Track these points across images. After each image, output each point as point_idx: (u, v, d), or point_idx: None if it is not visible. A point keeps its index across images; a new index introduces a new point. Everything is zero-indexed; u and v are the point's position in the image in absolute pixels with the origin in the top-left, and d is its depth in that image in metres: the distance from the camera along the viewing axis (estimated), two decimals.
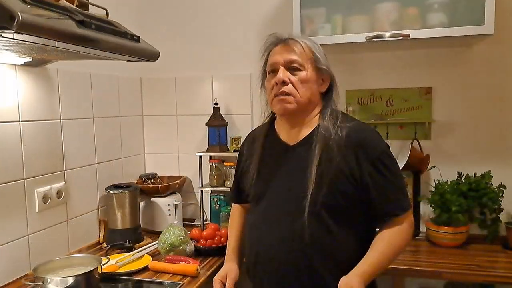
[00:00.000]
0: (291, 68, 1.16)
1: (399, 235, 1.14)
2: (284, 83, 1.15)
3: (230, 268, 1.31)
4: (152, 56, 1.45)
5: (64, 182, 1.68)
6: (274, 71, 1.18)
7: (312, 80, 1.17)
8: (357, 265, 1.09)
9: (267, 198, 1.21)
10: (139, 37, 1.36)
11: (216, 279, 1.28)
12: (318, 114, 1.20)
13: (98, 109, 1.90)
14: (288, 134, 1.23)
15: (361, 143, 1.13)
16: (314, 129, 1.19)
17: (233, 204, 1.47)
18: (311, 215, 1.11)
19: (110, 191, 1.84)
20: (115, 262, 1.59)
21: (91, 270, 1.34)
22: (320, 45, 1.22)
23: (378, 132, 1.21)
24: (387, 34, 1.62)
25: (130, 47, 1.33)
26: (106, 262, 1.52)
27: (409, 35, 1.60)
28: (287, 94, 1.15)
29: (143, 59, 1.43)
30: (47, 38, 0.99)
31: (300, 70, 1.16)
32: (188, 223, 2.15)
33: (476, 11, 1.54)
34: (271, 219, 1.18)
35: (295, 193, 1.14)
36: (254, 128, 1.41)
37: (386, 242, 1.12)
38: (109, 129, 1.99)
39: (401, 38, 1.60)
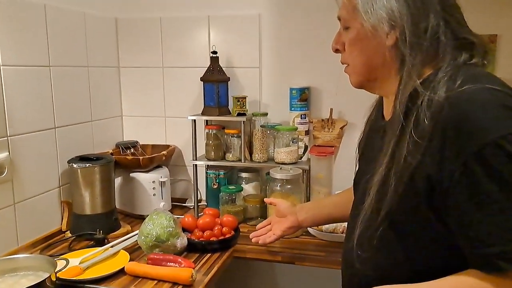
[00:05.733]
0: (344, 28, 0.84)
1: None
2: (337, 51, 0.87)
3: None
4: None
5: (8, 153, 1.23)
6: None
7: (364, 37, 0.79)
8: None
9: (356, 192, 0.95)
10: None
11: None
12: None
13: (56, 55, 1.41)
14: (387, 106, 0.86)
15: (455, 124, 0.64)
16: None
17: None
18: (363, 235, 0.80)
19: (74, 165, 1.38)
20: (78, 263, 1.17)
21: (42, 282, 0.95)
22: None
23: (505, 105, 0.64)
24: None
25: None
26: (64, 267, 1.09)
27: None
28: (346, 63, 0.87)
29: None
30: None
31: (348, 28, 0.83)
32: (178, 203, 1.73)
33: None
34: (349, 222, 0.93)
35: (366, 197, 0.79)
36: None
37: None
38: (73, 82, 1.51)
39: None
